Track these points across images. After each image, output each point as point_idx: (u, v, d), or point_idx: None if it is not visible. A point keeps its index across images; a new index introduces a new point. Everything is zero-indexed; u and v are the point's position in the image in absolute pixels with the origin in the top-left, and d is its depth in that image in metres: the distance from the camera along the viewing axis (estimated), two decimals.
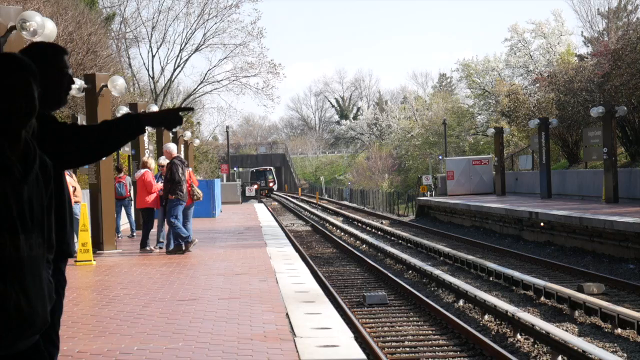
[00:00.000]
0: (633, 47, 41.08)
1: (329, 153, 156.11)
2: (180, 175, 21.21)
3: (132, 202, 28.40)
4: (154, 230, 23.12)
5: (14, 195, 3.50)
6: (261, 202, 71.35)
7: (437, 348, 15.12)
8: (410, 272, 26.29)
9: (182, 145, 40.81)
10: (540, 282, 20.63)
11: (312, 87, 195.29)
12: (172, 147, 21.95)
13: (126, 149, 30.30)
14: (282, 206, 77.92)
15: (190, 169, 23.15)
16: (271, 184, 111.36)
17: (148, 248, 22.27)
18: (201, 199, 22.92)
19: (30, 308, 3.51)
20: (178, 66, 75.73)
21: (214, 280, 15.97)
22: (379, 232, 43.10)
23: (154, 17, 74.25)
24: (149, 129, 5.10)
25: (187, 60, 76.34)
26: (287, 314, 11.77)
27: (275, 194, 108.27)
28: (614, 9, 71.98)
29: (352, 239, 39.39)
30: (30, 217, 3.57)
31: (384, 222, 50.94)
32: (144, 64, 76.01)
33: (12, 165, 3.51)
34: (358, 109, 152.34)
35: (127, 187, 27.79)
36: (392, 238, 39.10)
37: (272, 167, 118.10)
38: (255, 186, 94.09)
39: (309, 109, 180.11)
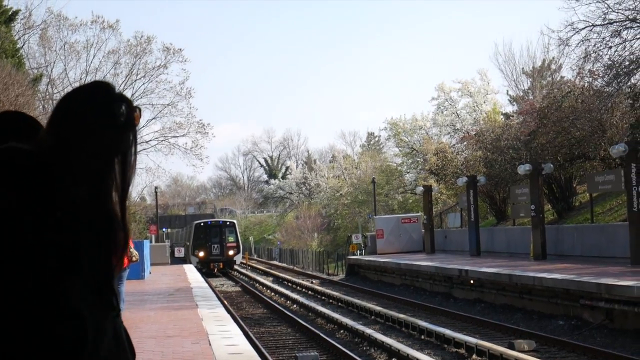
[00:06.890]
0: (558, 106, 41.76)
1: (257, 213, 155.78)
2: None
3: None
4: None
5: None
6: (189, 262, 64.48)
7: None
8: (342, 331, 26.23)
9: None
10: (471, 339, 20.71)
11: (240, 147, 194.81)
12: None
13: None
14: None
15: None
16: (231, 252, 65.69)
17: None
18: (138, 260, 22.61)
19: None
20: None
21: (145, 343, 15.77)
22: (310, 292, 42.98)
23: (81, 78, 73.48)
24: None
25: None
26: None
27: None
28: (538, 68, 73.25)
29: (282, 299, 39.24)
30: None
31: (314, 281, 50.85)
32: None
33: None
34: (287, 168, 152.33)
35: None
36: (323, 297, 39.01)
37: (234, 221, 73.50)
38: (202, 253, 65.09)
39: (237, 168, 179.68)
